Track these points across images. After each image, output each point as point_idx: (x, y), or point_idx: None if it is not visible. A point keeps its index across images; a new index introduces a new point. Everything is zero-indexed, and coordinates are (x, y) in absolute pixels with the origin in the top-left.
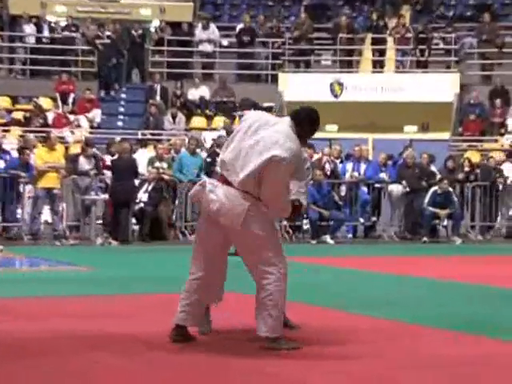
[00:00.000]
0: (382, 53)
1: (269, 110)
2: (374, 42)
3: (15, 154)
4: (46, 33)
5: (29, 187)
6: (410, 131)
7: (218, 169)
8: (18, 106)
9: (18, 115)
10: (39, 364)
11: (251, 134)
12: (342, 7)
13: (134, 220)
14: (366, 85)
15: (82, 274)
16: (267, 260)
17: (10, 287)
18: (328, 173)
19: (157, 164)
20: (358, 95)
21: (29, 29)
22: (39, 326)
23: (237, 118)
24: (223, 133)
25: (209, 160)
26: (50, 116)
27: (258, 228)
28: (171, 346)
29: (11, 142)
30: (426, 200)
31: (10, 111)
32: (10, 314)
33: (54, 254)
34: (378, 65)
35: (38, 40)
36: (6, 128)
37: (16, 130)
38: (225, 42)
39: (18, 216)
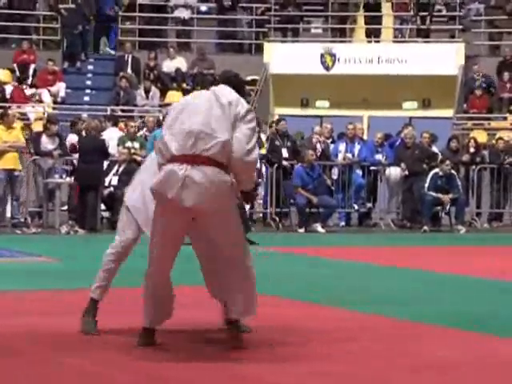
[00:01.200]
0: (379, 20)
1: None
2: (370, 7)
3: None
4: None
5: None
6: (410, 108)
7: (172, 148)
8: None
9: None
10: None
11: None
12: None
13: (102, 206)
14: (360, 56)
15: (46, 266)
16: (242, 239)
17: None
18: (318, 154)
19: (128, 144)
20: (352, 67)
21: None
22: None
23: None
24: None
25: None
26: (8, 89)
27: (235, 204)
28: (136, 348)
29: None
30: (427, 184)
31: None
32: None
33: (14, 243)
34: (374, 34)
35: None
36: None
37: None
38: (203, 8)
39: None
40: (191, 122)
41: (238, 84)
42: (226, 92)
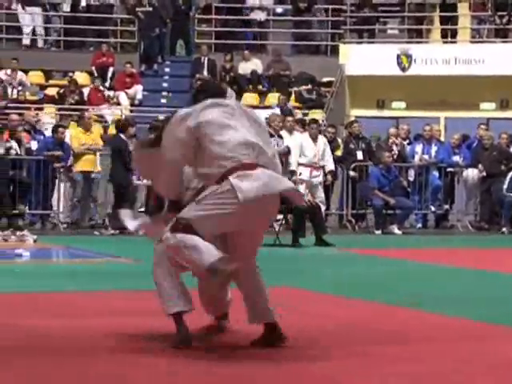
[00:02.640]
0: (455, 20)
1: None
2: (446, 8)
3: (49, 134)
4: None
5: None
6: (488, 109)
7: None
8: (51, 82)
9: (52, 91)
10: (64, 364)
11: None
12: None
13: None
14: (436, 56)
15: (124, 267)
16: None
17: (46, 280)
18: (395, 156)
19: None
20: (428, 68)
21: None
22: (78, 323)
23: (293, 95)
24: (277, 111)
25: None
26: (87, 92)
27: None
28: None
29: (45, 123)
30: (506, 185)
31: (42, 87)
32: (50, 311)
33: (93, 244)
34: (451, 34)
35: (74, 8)
36: (40, 106)
37: (50, 108)
38: (279, 9)
39: (54, 202)
40: (243, 133)
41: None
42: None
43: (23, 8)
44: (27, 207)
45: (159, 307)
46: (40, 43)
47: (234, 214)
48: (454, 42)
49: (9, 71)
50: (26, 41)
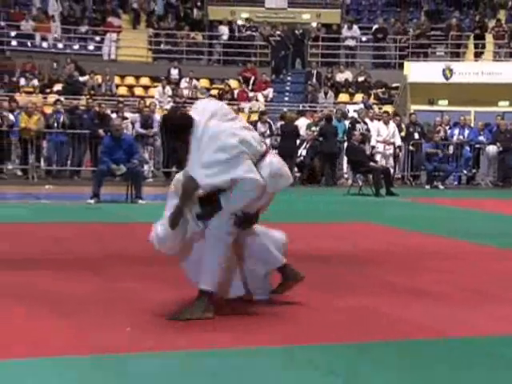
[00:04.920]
0: (483, 46)
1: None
2: (477, 37)
3: None
4: (235, 32)
5: None
6: (503, 105)
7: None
8: (214, 86)
9: (214, 92)
10: None
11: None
12: (452, 12)
13: (296, 169)
14: (470, 70)
15: None
16: None
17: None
18: (441, 136)
19: (313, 128)
20: (464, 78)
21: (223, 29)
22: None
23: (372, 95)
24: (362, 106)
25: (349, 126)
26: (237, 93)
27: None
28: None
29: None
30: None
31: (208, 89)
32: None
33: None
34: (480, 55)
35: (229, 38)
36: None
37: None
38: (364, 38)
39: None
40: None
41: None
42: None
43: (203, 38)
44: None
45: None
46: (204, 61)
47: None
48: (482, 60)
49: (187, 79)
50: (203, 61)
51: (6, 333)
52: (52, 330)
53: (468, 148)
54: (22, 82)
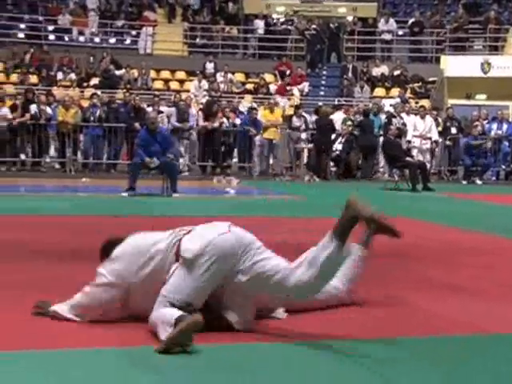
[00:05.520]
0: None
1: None
2: None
3: (246, 114)
4: (270, 26)
5: (257, 138)
6: None
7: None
8: (249, 80)
9: (249, 86)
10: None
11: None
12: (491, 4)
13: (331, 163)
14: (508, 64)
15: (296, 202)
16: None
17: (244, 210)
18: (480, 131)
19: (348, 122)
20: (503, 72)
21: (258, 23)
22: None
23: (408, 89)
24: (398, 100)
25: (385, 121)
26: (272, 87)
27: None
28: None
29: (244, 106)
30: None
31: (243, 83)
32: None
33: (275, 187)
34: None
35: (265, 31)
36: (241, 95)
37: (248, 97)
38: (400, 32)
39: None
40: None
41: None
42: None
43: (238, 31)
44: (234, 160)
45: None
46: (239, 55)
47: None
48: None
49: (222, 73)
50: (238, 55)
51: (26, 325)
52: (74, 323)
53: (506, 143)
54: (60, 75)
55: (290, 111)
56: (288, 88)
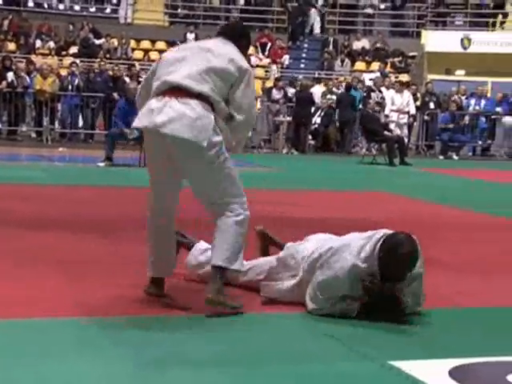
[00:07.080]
0: (504, 15)
1: None
2: (497, 7)
3: None
4: None
5: None
6: None
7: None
8: None
9: None
10: None
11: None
12: None
13: (310, 136)
14: (488, 40)
15: (273, 174)
16: (232, 193)
17: None
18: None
19: (328, 96)
20: (482, 48)
21: None
22: None
23: (389, 64)
24: (378, 74)
25: (364, 94)
26: (253, 59)
27: (223, 151)
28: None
29: None
30: None
31: None
32: None
33: (253, 159)
34: (500, 25)
35: (246, 2)
36: None
37: None
38: (382, 6)
39: None
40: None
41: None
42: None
43: (220, 2)
44: None
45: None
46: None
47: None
48: (501, 30)
49: None
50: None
51: (8, 293)
52: (52, 290)
53: (484, 119)
54: (38, 43)
55: (270, 83)
56: (268, 61)
